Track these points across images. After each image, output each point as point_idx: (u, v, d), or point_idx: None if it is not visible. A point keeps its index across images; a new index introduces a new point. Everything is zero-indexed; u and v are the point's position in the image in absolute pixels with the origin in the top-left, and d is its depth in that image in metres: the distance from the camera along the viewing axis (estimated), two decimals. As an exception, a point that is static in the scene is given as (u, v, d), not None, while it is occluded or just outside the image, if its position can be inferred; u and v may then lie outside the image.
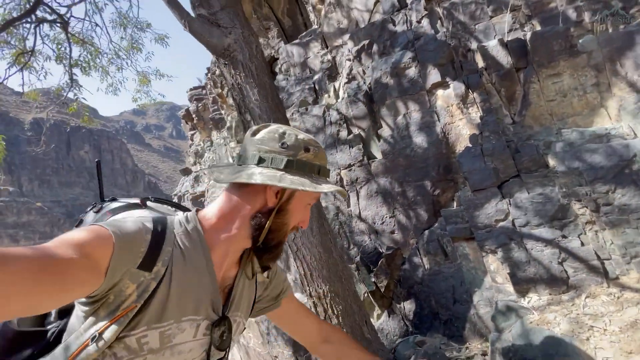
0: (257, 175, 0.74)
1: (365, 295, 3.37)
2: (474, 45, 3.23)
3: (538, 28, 3.07)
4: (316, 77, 4.81)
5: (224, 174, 0.79)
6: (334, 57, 4.79)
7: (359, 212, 3.64)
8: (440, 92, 3.26)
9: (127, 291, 0.66)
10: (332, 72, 4.73)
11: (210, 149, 8.67)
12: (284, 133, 0.78)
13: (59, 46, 5.11)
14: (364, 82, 3.92)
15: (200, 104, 9.68)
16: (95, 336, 0.65)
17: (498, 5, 3.21)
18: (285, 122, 2.70)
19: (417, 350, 2.76)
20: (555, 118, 2.89)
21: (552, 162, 2.71)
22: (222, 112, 7.93)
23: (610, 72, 2.69)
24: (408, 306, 3.22)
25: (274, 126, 0.81)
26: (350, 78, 4.17)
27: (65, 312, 0.77)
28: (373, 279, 3.29)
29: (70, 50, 5.01)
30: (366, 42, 4.12)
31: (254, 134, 0.81)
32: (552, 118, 2.90)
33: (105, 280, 0.62)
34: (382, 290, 3.27)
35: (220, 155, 7.56)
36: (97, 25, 5.16)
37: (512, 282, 2.57)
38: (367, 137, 3.79)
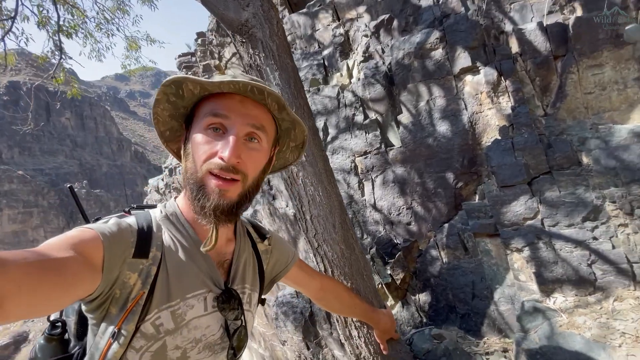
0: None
1: (379, 286, 3.31)
2: (508, 27, 2.98)
3: (579, 12, 2.84)
4: (326, 52, 4.49)
5: None
6: (347, 32, 4.45)
7: (374, 202, 3.51)
8: (468, 77, 3.05)
9: (130, 281, 0.67)
10: (344, 48, 4.41)
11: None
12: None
13: (40, 9, 4.57)
14: (383, 62, 3.66)
15: (190, 72, 9.17)
16: (114, 333, 0.66)
17: (537, -16, 2.95)
18: (307, 109, 2.49)
19: (435, 344, 2.75)
20: (591, 112, 2.74)
21: (585, 159, 2.60)
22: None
23: (656, 65, 2.53)
24: (423, 298, 3.19)
25: None
26: (367, 56, 3.88)
27: (83, 334, 0.78)
28: (389, 272, 3.22)
29: (58, 14, 4.49)
30: (386, 16, 3.81)
31: None
32: (587, 112, 2.75)
33: (103, 276, 0.63)
34: (398, 282, 3.22)
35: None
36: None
37: (537, 281, 2.53)
38: (385, 122, 3.59)
